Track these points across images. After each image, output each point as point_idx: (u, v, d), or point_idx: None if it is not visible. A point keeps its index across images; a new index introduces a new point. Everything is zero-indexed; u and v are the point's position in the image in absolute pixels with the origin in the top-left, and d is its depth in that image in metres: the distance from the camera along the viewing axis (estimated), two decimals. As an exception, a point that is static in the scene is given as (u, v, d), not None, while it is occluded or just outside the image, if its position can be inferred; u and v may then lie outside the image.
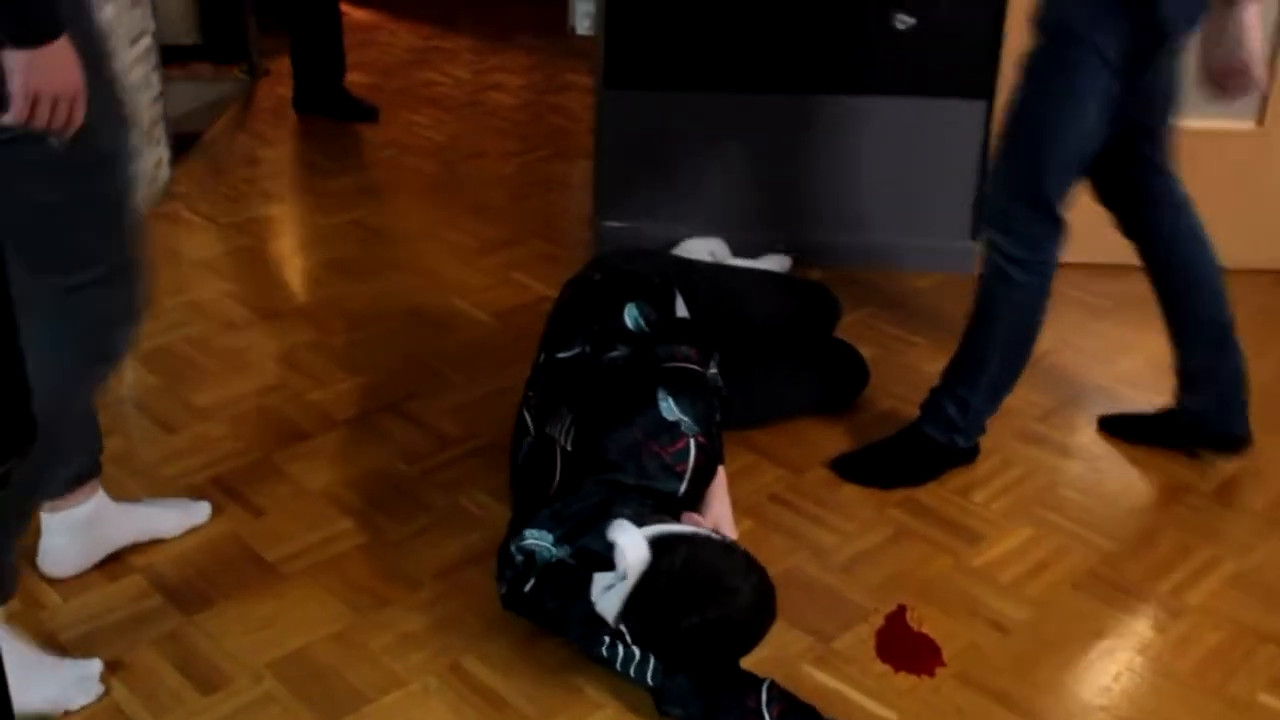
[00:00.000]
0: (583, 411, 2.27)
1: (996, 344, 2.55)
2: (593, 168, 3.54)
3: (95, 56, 1.79)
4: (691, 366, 2.34)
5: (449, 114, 4.65)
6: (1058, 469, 2.70)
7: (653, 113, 3.36)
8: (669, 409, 2.23)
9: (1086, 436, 2.82)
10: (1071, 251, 3.09)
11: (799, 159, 3.38)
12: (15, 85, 1.64)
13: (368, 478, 2.61)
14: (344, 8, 4.67)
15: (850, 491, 2.59)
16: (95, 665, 2.06)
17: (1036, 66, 2.36)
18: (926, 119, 3.33)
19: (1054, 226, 2.45)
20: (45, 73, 1.65)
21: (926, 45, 3.25)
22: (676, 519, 2.15)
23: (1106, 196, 2.62)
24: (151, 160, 3.81)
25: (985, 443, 2.71)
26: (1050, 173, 2.40)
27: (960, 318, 2.85)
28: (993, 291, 2.52)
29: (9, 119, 1.66)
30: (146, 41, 3.76)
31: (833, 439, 2.76)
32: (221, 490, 2.54)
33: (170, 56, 4.23)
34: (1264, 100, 3.40)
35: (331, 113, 4.58)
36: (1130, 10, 2.26)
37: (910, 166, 3.40)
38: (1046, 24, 2.35)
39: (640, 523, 2.06)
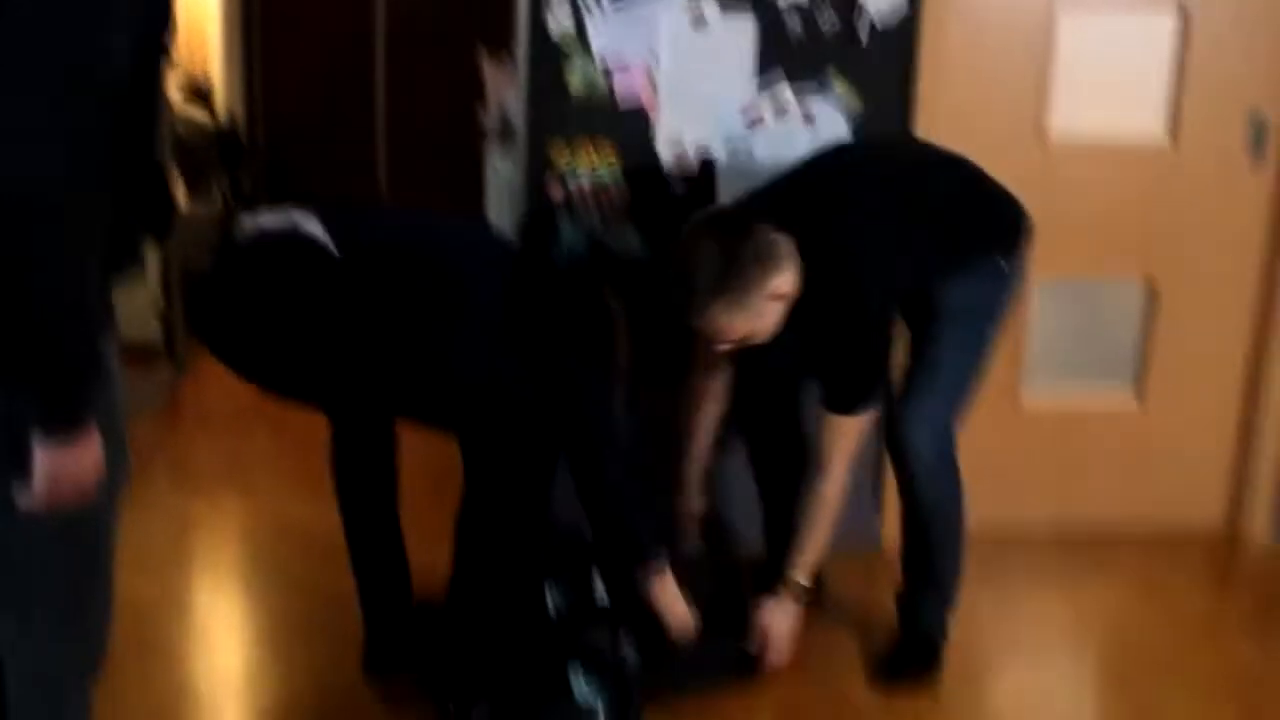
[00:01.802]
0: (500, 699, 2.34)
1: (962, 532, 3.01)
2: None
3: (114, 431, 1.84)
4: (604, 648, 2.44)
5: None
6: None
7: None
8: (581, 692, 2.31)
9: (997, 696, 2.97)
10: (974, 521, 3.31)
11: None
12: (39, 470, 1.68)
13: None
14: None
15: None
16: None
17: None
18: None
19: None
20: (69, 462, 1.69)
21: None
22: None
23: None
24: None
25: (901, 705, 2.88)
26: None
27: (870, 590, 3.02)
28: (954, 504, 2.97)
29: (26, 502, 1.70)
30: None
31: (751, 713, 2.85)
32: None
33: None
34: (1141, 376, 3.69)
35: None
36: None
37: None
38: None
39: None
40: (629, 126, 3.34)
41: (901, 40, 3.35)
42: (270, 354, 2.59)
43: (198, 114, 6.53)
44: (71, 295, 1.66)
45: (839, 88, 3.35)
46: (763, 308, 2.64)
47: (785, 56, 3.33)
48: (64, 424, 1.69)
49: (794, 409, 3.18)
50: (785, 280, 2.64)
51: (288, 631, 3.20)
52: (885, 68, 3.36)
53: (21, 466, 1.70)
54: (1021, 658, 3.13)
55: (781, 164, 3.35)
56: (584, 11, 3.26)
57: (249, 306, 2.56)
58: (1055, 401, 3.74)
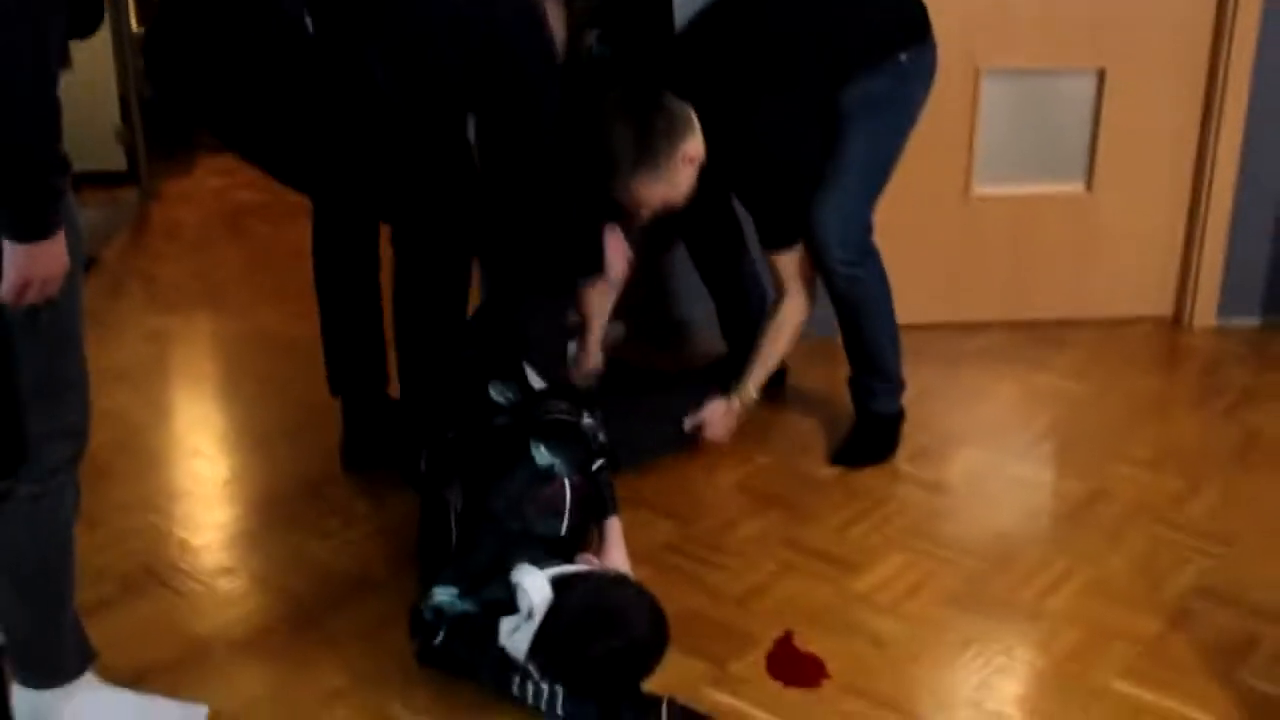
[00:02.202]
0: (469, 474, 2.46)
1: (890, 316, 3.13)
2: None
3: (73, 237, 1.90)
4: (562, 417, 2.54)
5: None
6: (926, 502, 2.95)
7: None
8: (542, 456, 2.43)
9: (952, 473, 3.08)
10: (929, 312, 3.54)
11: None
12: (10, 272, 1.77)
13: (284, 556, 2.76)
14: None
15: (739, 534, 2.81)
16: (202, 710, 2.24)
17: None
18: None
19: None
20: (39, 263, 1.79)
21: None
22: (570, 561, 2.35)
23: None
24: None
25: (861, 482, 3.01)
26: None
27: (828, 376, 3.15)
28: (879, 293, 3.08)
29: None
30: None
31: (719, 491, 2.99)
32: (146, 574, 2.68)
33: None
34: (1091, 166, 3.77)
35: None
36: None
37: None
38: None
39: (540, 566, 2.26)
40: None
41: None
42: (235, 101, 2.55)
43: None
44: (44, 100, 1.72)
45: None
46: (677, 175, 2.85)
47: None
48: (36, 228, 1.77)
49: (723, 199, 3.26)
50: (694, 145, 2.84)
51: (268, 435, 3.31)
52: None
53: None
54: (975, 436, 3.26)
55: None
56: None
57: (208, 52, 2.49)
58: (1006, 191, 3.81)
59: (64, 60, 1.91)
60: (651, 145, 2.80)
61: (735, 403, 3.11)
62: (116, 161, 5.27)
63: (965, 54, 3.59)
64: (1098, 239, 3.84)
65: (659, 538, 2.80)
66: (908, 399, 3.19)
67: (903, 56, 2.92)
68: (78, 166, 1.87)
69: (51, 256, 1.81)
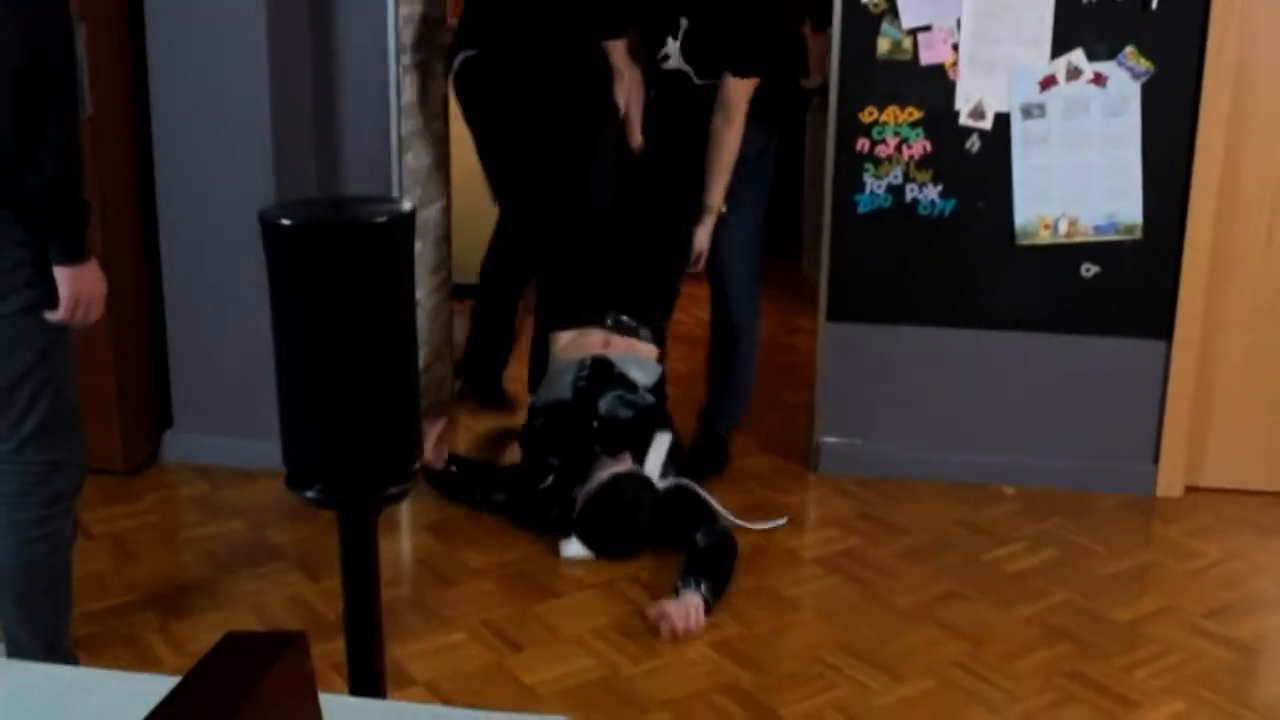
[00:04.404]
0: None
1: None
2: (815, 393, 4.03)
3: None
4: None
5: (692, 349, 5.24)
6: (1217, 656, 3.00)
7: (867, 344, 3.89)
8: None
9: (1249, 632, 3.11)
10: (1248, 479, 3.49)
11: (998, 387, 3.84)
12: (63, 293, 2.33)
13: (609, 628, 3.09)
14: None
15: (1026, 662, 2.95)
16: None
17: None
18: (1111, 355, 3.76)
19: None
20: (84, 282, 2.35)
21: (1111, 291, 3.71)
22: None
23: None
24: (441, 374, 4.50)
25: (1155, 629, 3.08)
26: None
27: (1141, 530, 3.23)
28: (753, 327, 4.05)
29: (56, 316, 2.34)
30: (444, 274, 4.51)
31: (1012, 621, 3.13)
32: (490, 630, 3.07)
33: (459, 293, 4.96)
34: None
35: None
36: None
37: (1097, 397, 3.80)
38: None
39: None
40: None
41: (1192, 5, 3.52)
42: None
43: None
44: (76, 149, 2.29)
45: (1130, 51, 3.55)
46: None
47: (1080, 21, 3.57)
48: (78, 250, 2.33)
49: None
50: None
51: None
52: (1176, 32, 3.55)
53: (49, 296, 2.33)
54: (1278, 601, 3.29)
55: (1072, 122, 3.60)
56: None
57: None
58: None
59: None
60: None
61: (708, 219, 3.83)
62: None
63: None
64: None
65: (948, 654, 2.97)
66: (1215, 558, 3.25)
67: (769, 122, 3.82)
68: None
69: (93, 278, 2.37)
